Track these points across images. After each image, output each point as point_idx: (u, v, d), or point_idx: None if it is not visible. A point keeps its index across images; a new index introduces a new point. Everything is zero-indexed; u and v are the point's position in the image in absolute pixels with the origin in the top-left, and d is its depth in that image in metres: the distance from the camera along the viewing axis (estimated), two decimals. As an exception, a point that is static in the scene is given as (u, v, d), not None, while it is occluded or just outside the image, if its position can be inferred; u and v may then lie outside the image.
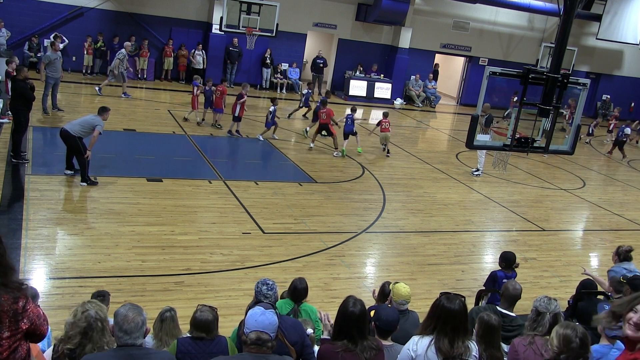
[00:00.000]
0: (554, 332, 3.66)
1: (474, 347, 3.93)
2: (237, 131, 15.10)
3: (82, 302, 3.82)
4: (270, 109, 14.80)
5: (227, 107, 15.57)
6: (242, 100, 14.83)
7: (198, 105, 15.71)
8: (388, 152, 15.39)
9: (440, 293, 4.02)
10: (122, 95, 17.41)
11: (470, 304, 7.30)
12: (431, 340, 3.83)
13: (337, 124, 15.14)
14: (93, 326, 3.58)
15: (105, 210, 9.27)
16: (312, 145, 14.95)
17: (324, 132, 14.93)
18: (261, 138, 15.02)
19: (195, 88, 15.70)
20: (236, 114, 14.85)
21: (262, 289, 4.46)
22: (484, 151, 14.19)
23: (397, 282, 5.27)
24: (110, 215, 9.11)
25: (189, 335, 4.26)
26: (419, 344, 3.86)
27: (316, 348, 4.62)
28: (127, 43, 18.52)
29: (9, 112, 12.32)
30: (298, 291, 5.45)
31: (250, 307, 4.26)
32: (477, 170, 14.61)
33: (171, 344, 4.25)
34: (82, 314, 3.63)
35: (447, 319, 3.82)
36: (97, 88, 17.33)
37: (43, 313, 3.54)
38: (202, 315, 4.20)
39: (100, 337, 3.58)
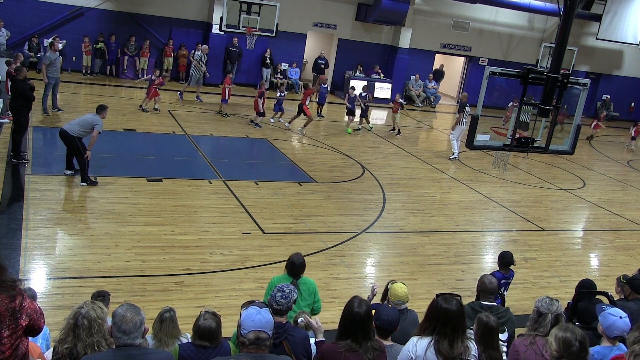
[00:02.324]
0: (553, 336, 3.63)
1: (472, 346, 3.93)
2: (257, 123, 16.28)
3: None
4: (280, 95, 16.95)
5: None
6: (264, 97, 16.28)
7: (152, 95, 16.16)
8: (398, 132, 17.94)
9: (437, 294, 4.00)
10: (178, 97, 18.04)
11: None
12: (430, 341, 3.82)
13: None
14: (79, 323, 3.58)
15: (105, 210, 9.27)
16: (288, 125, 16.51)
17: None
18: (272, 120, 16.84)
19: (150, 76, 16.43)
20: (261, 110, 16.21)
21: (277, 296, 4.25)
22: (456, 138, 15.81)
23: (394, 282, 5.25)
24: (110, 215, 9.10)
25: (190, 341, 4.22)
26: (418, 345, 3.86)
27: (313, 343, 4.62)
28: (204, 46, 19.12)
29: (9, 112, 12.32)
30: (296, 267, 5.49)
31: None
32: (453, 154, 15.89)
33: (173, 349, 4.22)
34: (74, 313, 3.64)
35: (447, 320, 3.82)
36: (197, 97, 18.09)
37: (39, 307, 3.55)
38: (205, 323, 4.11)
39: (88, 336, 3.57)
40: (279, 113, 17.11)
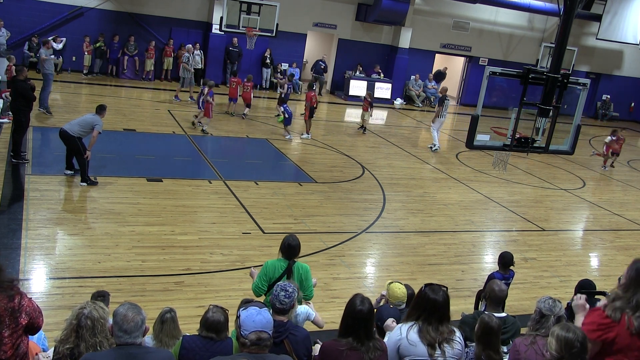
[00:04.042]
0: (554, 335, 3.60)
1: (457, 331, 4.04)
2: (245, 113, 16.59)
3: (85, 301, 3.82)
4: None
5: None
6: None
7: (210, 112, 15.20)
8: (364, 130, 17.67)
9: (425, 284, 4.08)
10: (174, 99, 18.03)
11: (469, 305, 7.31)
12: (413, 324, 3.94)
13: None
14: (82, 324, 3.57)
15: (105, 210, 9.27)
16: (307, 135, 15.97)
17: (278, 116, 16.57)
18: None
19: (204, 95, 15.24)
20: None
21: (280, 295, 4.20)
22: (436, 130, 16.57)
23: (391, 282, 5.22)
24: (110, 215, 9.10)
25: (196, 334, 4.24)
26: (402, 328, 3.98)
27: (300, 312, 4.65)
28: (188, 46, 18.95)
29: (9, 112, 12.32)
30: (292, 248, 5.44)
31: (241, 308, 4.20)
32: (434, 146, 16.56)
33: (177, 342, 4.23)
34: (76, 313, 3.64)
35: (433, 309, 3.92)
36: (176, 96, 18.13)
37: (37, 306, 3.55)
38: (214, 316, 4.14)
39: (91, 336, 3.56)
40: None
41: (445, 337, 3.90)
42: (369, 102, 17.45)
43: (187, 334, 4.40)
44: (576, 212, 13.20)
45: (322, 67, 22.83)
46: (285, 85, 17.66)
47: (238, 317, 3.45)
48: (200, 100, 15.32)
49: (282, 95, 16.98)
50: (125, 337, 3.31)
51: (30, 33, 18.90)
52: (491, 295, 5.13)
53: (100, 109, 10.41)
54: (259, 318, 3.32)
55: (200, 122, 14.99)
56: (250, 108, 17.03)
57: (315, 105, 16.06)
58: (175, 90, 18.63)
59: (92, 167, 10.38)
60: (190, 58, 18.54)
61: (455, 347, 3.92)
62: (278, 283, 4.38)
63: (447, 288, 4.06)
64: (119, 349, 3.32)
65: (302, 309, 4.79)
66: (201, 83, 16.35)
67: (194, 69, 20.30)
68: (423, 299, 3.98)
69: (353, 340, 3.83)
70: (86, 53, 19.39)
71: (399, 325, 4.06)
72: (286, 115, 15.51)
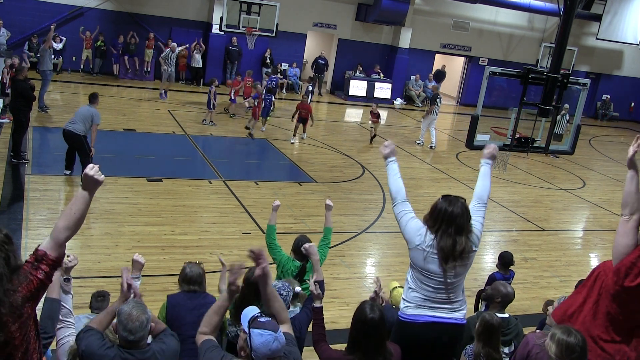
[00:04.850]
0: (554, 339, 3.57)
1: (474, 245, 3.95)
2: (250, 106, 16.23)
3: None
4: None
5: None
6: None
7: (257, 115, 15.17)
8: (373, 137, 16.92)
9: (442, 195, 4.01)
10: (160, 97, 17.94)
11: (469, 305, 7.31)
12: (434, 238, 3.86)
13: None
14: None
15: (105, 210, 9.27)
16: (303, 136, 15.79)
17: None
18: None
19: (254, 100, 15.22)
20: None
21: None
22: (426, 126, 16.87)
23: (395, 287, 5.18)
24: (110, 215, 9.10)
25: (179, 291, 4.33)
26: (427, 235, 3.90)
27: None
28: (173, 44, 18.83)
29: (9, 112, 12.33)
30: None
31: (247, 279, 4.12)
32: (419, 140, 17.15)
33: (162, 305, 4.30)
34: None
35: (450, 221, 3.85)
36: (161, 94, 18.01)
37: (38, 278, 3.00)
38: (192, 271, 4.44)
39: None
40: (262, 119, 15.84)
41: (463, 248, 3.80)
42: (376, 115, 16.69)
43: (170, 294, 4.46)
44: (576, 212, 13.21)
45: (322, 64, 22.81)
46: (265, 82, 17.46)
47: (248, 334, 3.00)
48: (212, 103, 15.56)
49: (270, 87, 16.65)
50: (130, 337, 3.24)
51: (30, 33, 18.89)
52: (503, 298, 5.06)
53: (94, 98, 10.38)
54: (275, 345, 2.99)
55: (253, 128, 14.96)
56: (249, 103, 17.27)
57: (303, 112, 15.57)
58: (175, 90, 18.63)
59: (92, 167, 10.37)
60: (169, 55, 18.24)
61: (465, 259, 3.87)
62: (273, 284, 4.33)
63: (465, 199, 3.96)
64: (125, 352, 3.26)
65: (294, 309, 4.77)
66: (208, 82, 16.39)
67: (193, 67, 20.41)
68: (440, 211, 3.89)
69: (362, 356, 3.46)
70: (85, 47, 19.28)
71: (425, 228, 3.92)
72: (265, 104, 15.42)
